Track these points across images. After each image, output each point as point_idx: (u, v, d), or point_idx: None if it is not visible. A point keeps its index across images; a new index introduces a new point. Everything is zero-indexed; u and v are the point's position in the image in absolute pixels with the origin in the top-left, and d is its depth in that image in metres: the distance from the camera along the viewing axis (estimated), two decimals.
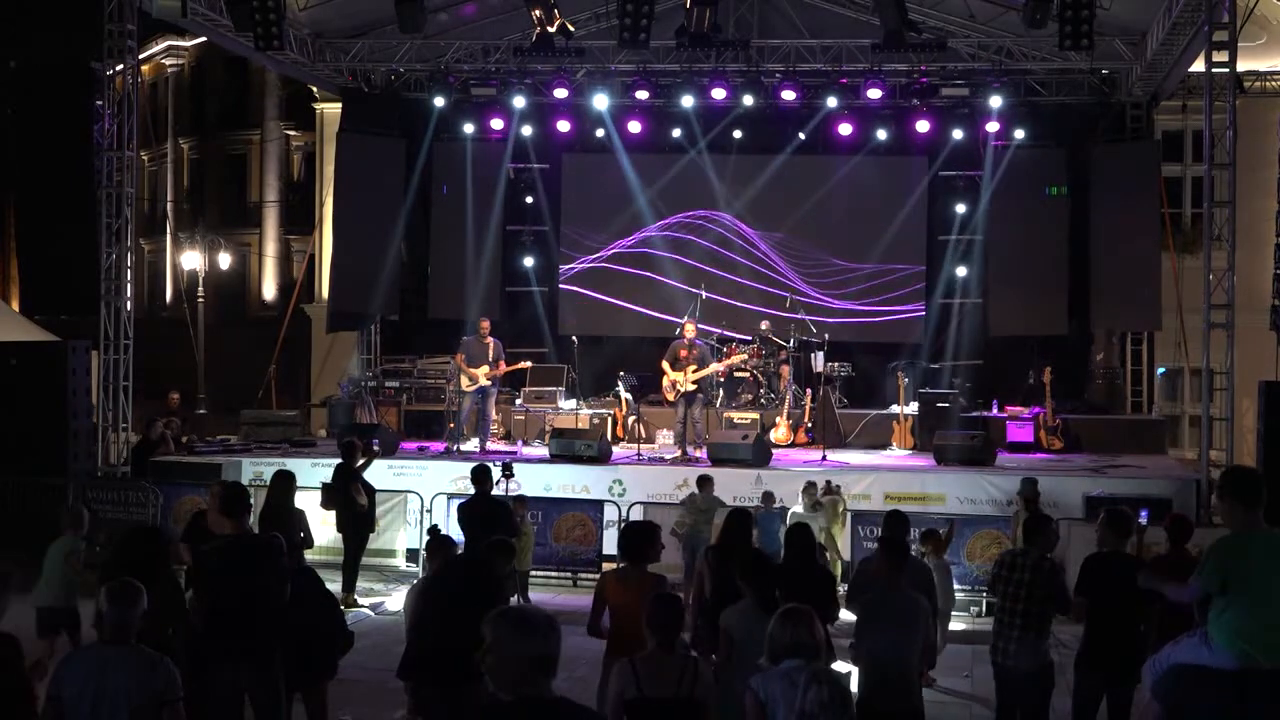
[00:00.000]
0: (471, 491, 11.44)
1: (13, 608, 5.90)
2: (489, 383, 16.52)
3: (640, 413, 18.26)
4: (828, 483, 13.25)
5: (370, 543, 13.44)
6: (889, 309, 20.09)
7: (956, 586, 11.63)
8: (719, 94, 18.48)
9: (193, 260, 30.02)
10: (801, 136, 19.86)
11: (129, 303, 16.29)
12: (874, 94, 18.27)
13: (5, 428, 15.27)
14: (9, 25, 36.47)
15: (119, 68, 16.21)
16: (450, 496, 14.20)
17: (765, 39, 18.88)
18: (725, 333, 18.92)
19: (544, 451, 16.29)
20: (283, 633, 7.03)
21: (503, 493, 12.65)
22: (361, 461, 13.21)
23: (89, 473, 15.50)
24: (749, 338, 18.64)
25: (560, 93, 19.15)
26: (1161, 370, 20.42)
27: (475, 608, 7.19)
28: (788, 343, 18.51)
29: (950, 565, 11.03)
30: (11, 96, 37.22)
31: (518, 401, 18.74)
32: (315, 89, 23.90)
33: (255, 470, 15.30)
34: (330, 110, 23.67)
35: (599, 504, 14.46)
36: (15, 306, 31.90)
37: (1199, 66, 15.81)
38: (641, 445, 17.33)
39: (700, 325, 17.28)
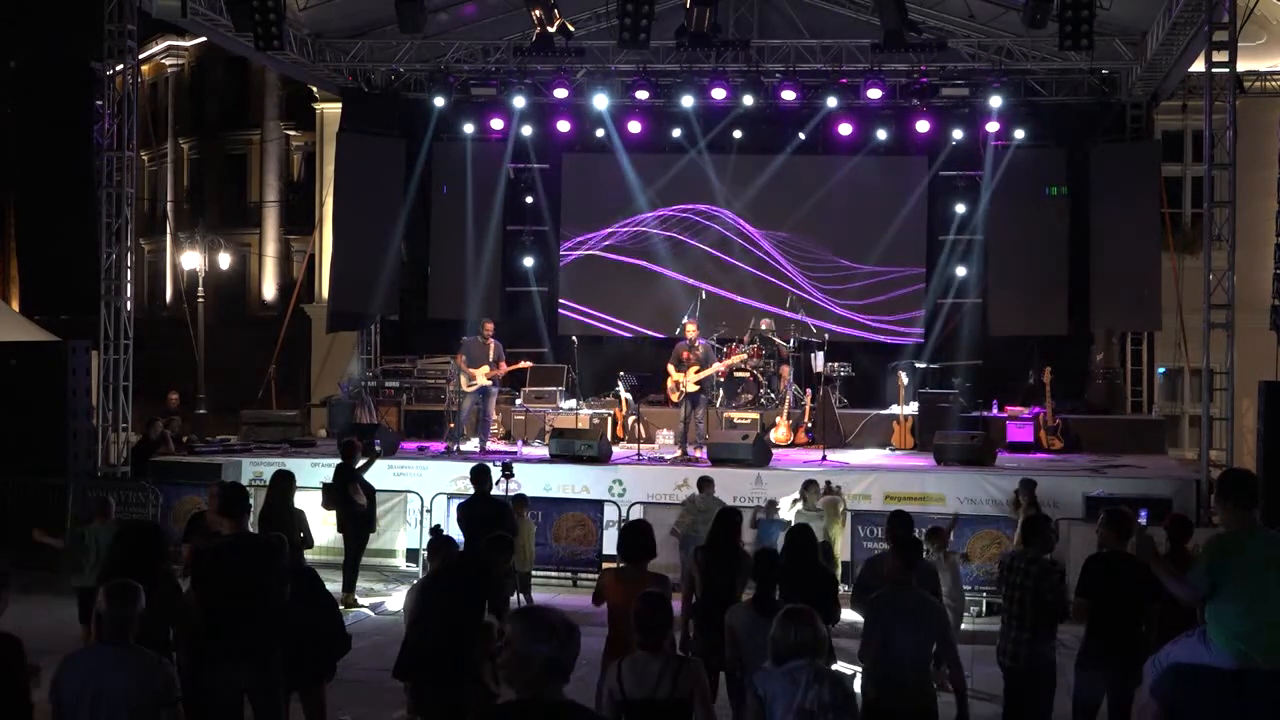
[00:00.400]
0: (471, 492, 11.44)
1: (12, 607, 5.89)
2: (489, 383, 16.53)
3: (640, 413, 18.26)
4: (827, 483, 13.24)
5: (370, 543, 13.44)
6: (889, 309, 20.08)
7: None
8: (719, 94, 18.48)
9: (193, 260, 30.00)
10: (801, 136, 19.86)
11: (129, 303, 16.29)
12: (874, 94, 18.26)
13: (5, 428, 15.28)
14: (9, 25, 36.50)
15: (119, 68, 16.21)
16: (450, 496, 14.20)
17: (765, 39, 18.88)
18: (743, 311, 18.93)
19: (544, 451, 16.28)
20: (283, 633, 7.03)
21: (503, 493, 12.65)
22: (363, 462, 13.21)
23: (89, 473, 15.51)
24: (749, 338, 18.62)
25: (560, 93, 19.15)
26: (1162, 370, 20.41)
27: (472, 608, 7.23)
28: (788, 343, 18.51)
29: (959, 562, 10.99)
30: (11, 96, 37.24)
31: (518, 401, 18.74)
32: (315, 89, 23.90)
33: (255, 470, 15.30)
34: (330, 110, 23.67)
35: (599, 504, 14.45)
36: (15, 306, 31.91)
37: (1199, 66, 15.82)
38: (641, 445, 17.32)
39: (701, 325, 17.29)
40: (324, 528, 13.15)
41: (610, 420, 18.02)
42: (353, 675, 8.16)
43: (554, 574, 14.25)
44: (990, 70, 18.50)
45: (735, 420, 17.37)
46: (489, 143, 20.57)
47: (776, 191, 20.14)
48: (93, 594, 9.13)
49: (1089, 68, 18.33)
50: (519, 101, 19.48)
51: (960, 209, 19.89)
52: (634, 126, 19.83)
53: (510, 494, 13.04)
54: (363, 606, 12.78)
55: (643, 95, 18.76)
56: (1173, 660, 5.77)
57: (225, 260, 32.42)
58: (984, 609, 12.83)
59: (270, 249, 37.70)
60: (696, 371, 16.03)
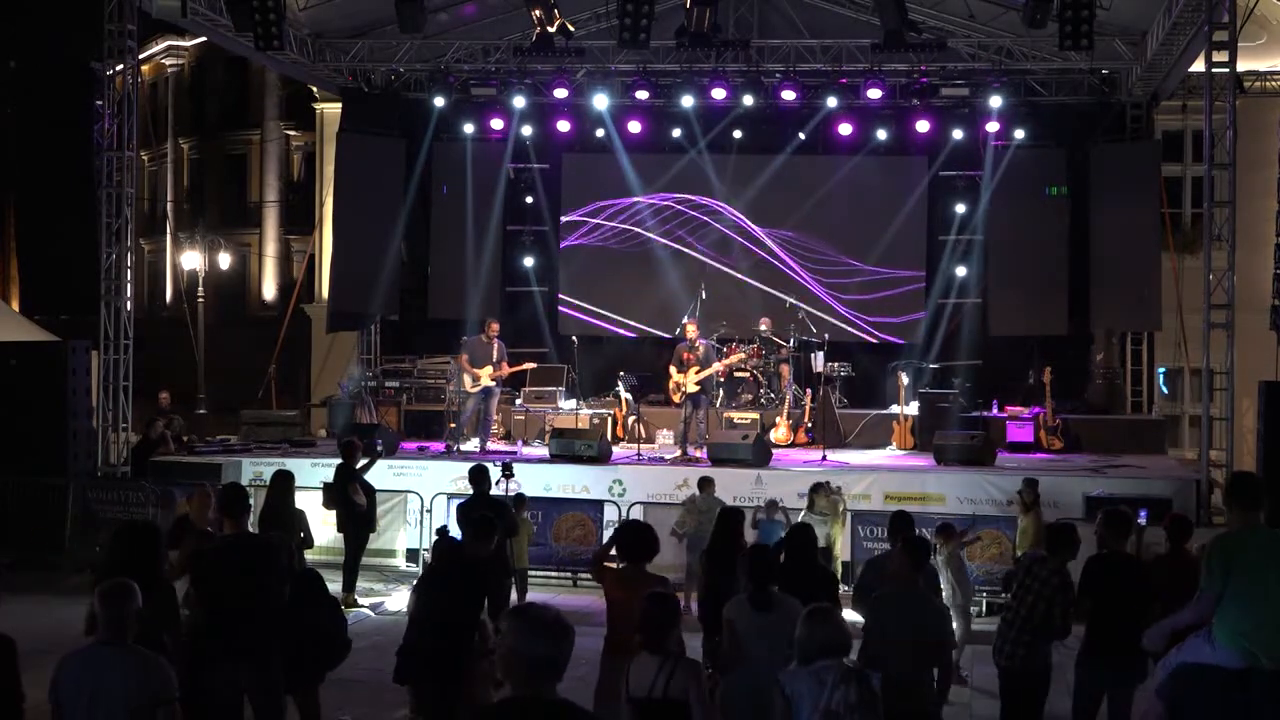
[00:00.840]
0: (471, 492, 11.44)
1: (13, 607, 5.89)
2: (493, 383, 16.53)
3: (640, 413, 18.26)
4: (827, 483, 13.24)
5: (370, 543, 13.45)
6: (889, 309, 20.08)
7: None
8: (719, 94, 18.47)
9: (193, 260, 30.02)
10: (801, 136, 19.84)
11: (129, 303, 16.28)
12: (874, 94, 18.26)
13: (5, 428, 15.27)
14: (9, 25, 36.53)
15: (119, 68, 16.20)
16: (450, 496, 14.21)
17: (765, 39, 18.87)
18: (744, 310, 18.93)
19: (544, 451, 16.28)
20: (282, 633, 7.02)
21: (502, 492, 12.66)
22: (364, 462, 13.22)
23: (89, 473, 15.49)
24: (749, 338, 18.63)
25: (560, 93, 19.15)
26: (1162, 371, 20.40)
27: (469, 606, 7.20)
28: (788, 342, 18.51)
29: (964, 560, 10.97)
30: (11, 96, 37.25)
31: (518, 401, 18.73)
32: (315, 89, 23.90)
33: (255, 470, 15.29)
34: (330, 110, 23.67)
35: (599, 504, 14.45)
36: (15, 306, 31.91)
37: (1199, 66, 15.81)
38: (641, 445, 17.32)
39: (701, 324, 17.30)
40: (324, 528, 13.17)
41: (610, 420, 18.02)
42: (353, 675, 8.15)
43: (554, 574, 14.25)
44: (990, 70, 18.50)
45: (735, 420, 17.37)
46: (489, 143, 20.56)
47: (777, 191, 20.13)
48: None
49: (1089, 68, 18.32)
50: (519, 101, 19.48)
51: (960, 209, 19.88)
52: (634, 126, 19.82)
53: (510, 494, 13.06)
54: (363, 606, 12.78)
55: (643, 95, 18.76)
56: (1181, 661, 5.79)
57: (225, 260, 32.45)
58: (984, 609, 12.82)
59: (270, 249, 37.71)
60: (697, 372, 16.03)
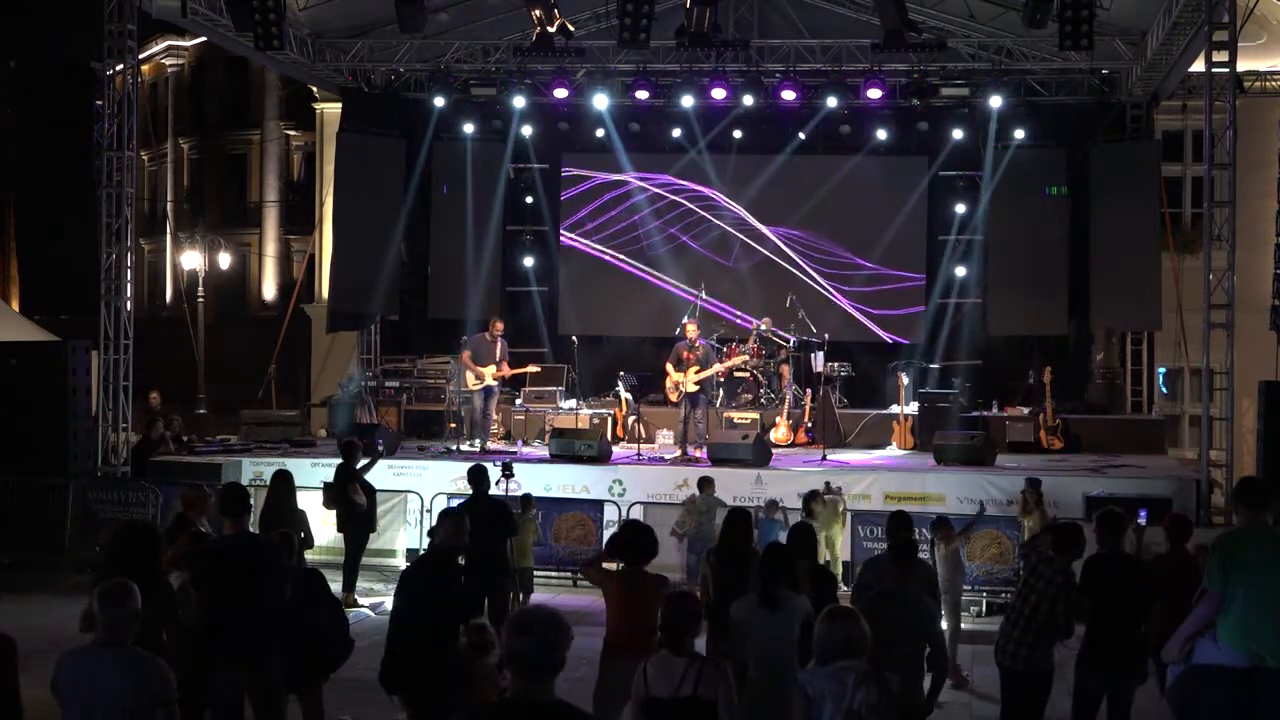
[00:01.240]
0: (471, 492, 11.43)
1: (12, 606, 5.89)
2: (495, 383, 16.53)
3: (640, 412, 18.26)
4: (827, 484, 13.24)
5: (370, 543, 13.43)
6: (889, 308, 20.09)
7: None
8: (719, 94, 18.46)
9: (193, 260, 30.03)
10: (801, 136, 19.84)
11: (129, 303, 16.27)
12: (874, 94, 18.24)
13: (5, 428, 15.27)
14: (9, 25, 36.52)
15: (119, 68, 16.20)
16: (450, 496, 14.20)
17: (765, 39, 18.87)
18: (734, 315, 18.89)
19: (544, 451, 16.28)
20: (282, 633, 7.01)
21: (503, 492, 12.65)
22: (365, 462, 13.21)
23: (89, 473, 15.49)
24: (749, 339, 18.62)
25: (560, 93, 19.14)
26: (1162, 371, 20.40)
27: (452, 606, 7.11)
28: (788, 342, 18.51)
29: (962, 559, 10.95)
30: (11, 96, 37.24)
31: (518, 401, 18.73)
32: (315, 89, 23.90)
33: (255, 470, 15.29)
34: (330, 110, 23.67)
35: (599, 504, 14.45)
36: (15, 306, 31.91)
37: (1199, 66, 15.81)
38: (641, 445, 17.32)
39: (702, 322, 17.30)
40: (324, 528, 13.17)
41: (610, 420, 18.02)
42: (353, 675, 8.14)
43: (554, 574, 14.24)
44: (990, 70, 18.50)
45: (735, 420, 17.37)
46: (489, 143, 20.57)
47: (777, 191, 20.14)
48: None
49: (1089, 68, 18.33)
50: (519, 101, 19.49)
51: (960, 209, 19.87)
52: (634, 126, 19.83)
53: (514, 494, 13.06)
54: (363, 606, 12.77)
55: (643, 95, 18.75)
56: (1190, 662, 5.82)
57: (225, 260, 32.45)
58: (984, 609, 12.82)
59: (270, 249, 37.70)
60: (696, 371, 16.02)
